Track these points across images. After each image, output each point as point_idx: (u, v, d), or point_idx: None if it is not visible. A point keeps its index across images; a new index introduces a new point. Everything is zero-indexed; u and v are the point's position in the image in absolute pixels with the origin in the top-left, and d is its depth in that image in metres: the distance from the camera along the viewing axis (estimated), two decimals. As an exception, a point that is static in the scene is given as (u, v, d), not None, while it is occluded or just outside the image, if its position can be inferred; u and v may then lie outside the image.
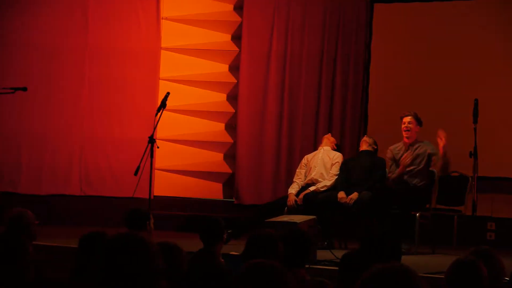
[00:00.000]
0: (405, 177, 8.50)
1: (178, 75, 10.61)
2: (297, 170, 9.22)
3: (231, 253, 6.10)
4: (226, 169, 10.62)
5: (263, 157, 10.36)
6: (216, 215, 8.67)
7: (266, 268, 2.71)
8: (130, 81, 10.48)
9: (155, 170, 10.05)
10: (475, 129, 7.93)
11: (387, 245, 4.40)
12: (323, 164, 8.98)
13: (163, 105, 8.25)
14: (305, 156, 9.25)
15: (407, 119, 8.54)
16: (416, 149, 8.57)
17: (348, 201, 8.45)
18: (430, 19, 9.91)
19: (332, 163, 8.94)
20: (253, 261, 2.75)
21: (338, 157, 9.00)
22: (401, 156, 8.53)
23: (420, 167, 8.51)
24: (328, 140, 9.23)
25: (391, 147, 8.71)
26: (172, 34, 10.65)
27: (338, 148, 9.26)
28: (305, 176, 9.03)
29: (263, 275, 2.70)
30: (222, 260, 5.57)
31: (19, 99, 9.90)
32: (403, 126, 8.56)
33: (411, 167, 8.50)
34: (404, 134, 8.56)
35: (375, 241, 4.42)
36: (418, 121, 8.57)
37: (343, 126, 10.23)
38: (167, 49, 10.63)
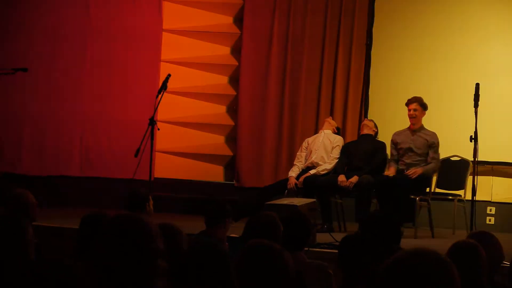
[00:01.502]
0: (408, 161, 8.50)
1: (180, 57, 10.59)
2: (297, 153, 9.22)
3: (231, 235, 6.10)
4: (227, 151, 10.62)
5: (264, 140, 10.35)
6: (218, 197, 8.71)
7: (265, 248, 2.73)
8: (131, 63, 10.46)
9: (156, 152, 10.05)
10: (475, 113, 7.93)
11: (387, 228, 4.41)
12: (323, 147, 8.98)
13: (164, 87, 8.26)
14: (306, 139, 9.25)
15: (412, 106, 8.52)
16: (420, 136, 8.55)
17: (348, 185, 8.46)
18: (432, 2, 9.87)
19: (333, 147, 8.94)
20: (252, 242, 2.76)
21: (338, 140, 9.00)
22: (402, 142, 8.54)
23: (422, 155, 8.50)
24: (329, 124, 9.23)
25: (396, 132, 8.69)
26: (173, 16, 10.62)
27: (338, 131, 9.26)
28: (306, 159, 9.03)
29: (263, 255, 2.71)
30: (227, 243, 5.58)
31: (21, 81, 9.90)
32: (408, 113, 8.52)
33: (416, 155, 8.50)
34: (410, 121, 8.54)
35: (375, 224, 4.43)
36: (423, 106, 8.55)
37: (344, 110, 10.21)
38: (168, 31, 10.60)
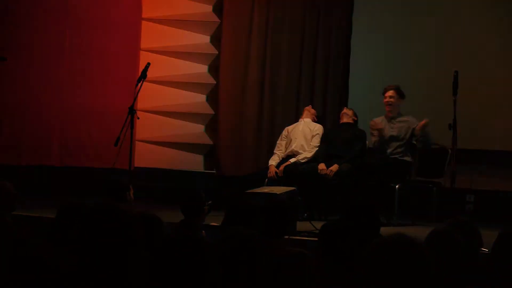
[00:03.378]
0: (388, 150, 8.53)
1: (159, 46, 10.55)
2: (277, 141, 9.22)
3: (211, 224, 6.11)
4: (207, 140, 10.61)
5: (244, 129, 10.35)
6: (197, 186, 8.71)
7: (243, 236, 2.73)
8: (111, 51, 10.41)
9: (136, 141, 10.03)
10: (454, 101, 7.96)
11: (367, 216, 4.43)
12: (303, 135, 8.98)
13: (143, 75, 8.23)
14: (286, 128, 9.25)
15: (389, 93, 8.57)
16: (398, 122, 8.60)
17: (328, 173, 8.48)
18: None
19: (313, 135, 8.95)
20: (231, 230, 2.77)
21: (318, 128, 9.02)
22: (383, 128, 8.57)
23: (403, 142, 8.54)
24: (308, 112, 9.24)
25: (374, 120, 8.71)
26: (153, 4, 10.58)
27: (318, 119, 9.27)
28: (286, 148, 9.04)
29: (241, 243, 2.72)
30: (204, 232, 5.59)
31: (-1, 70, 9.84)
32: (385, 100, 8.58)
33: (396, 142, 8.53)
34: (386, 108, 8.59)
35: (355, 212, 4.45)
36: (400, 94, 8.59)
37: (324, 98, 10.23)
38: (148, 19, 10.56)
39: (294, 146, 8.95)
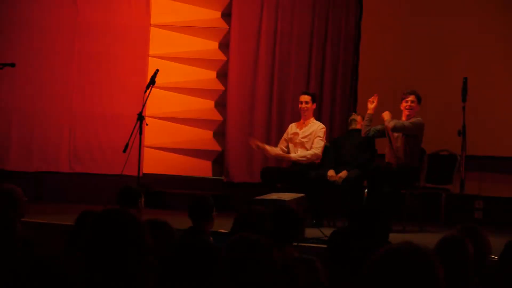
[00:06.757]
0: (397, 154, 8.52)
1: (168, 52, 10.57)
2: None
3: (219, 230, 6.11)
4: (216, 146, 10.61)
5: (253, 135, 10.34)
6: (206, 192, 8.71)
7: (251, 242, 2.74)
8: (119, 57, 10.44)
9: (144, 148, 10.04)
10: (463, 108, 7.95)
11: (376, 222, 4.42)
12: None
13: (152, 82, 8.26)
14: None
15: (410, 97, 8.50)
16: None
17: (337, 179, 8.48)
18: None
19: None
20: (239, 236, 2.77)
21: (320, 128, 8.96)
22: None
23: (411, 144, 8.54)
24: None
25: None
26: (161, 10, 10.60)
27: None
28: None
29: (249, 249, 2.72)
30: (211, 238, 5.59)
31: (8, 76, 9.84)
32: (405, 104, 8.49)
33: (403, 146, 8.53)
34: (406, 112, 8.51)
35: (364, 219, 4.45)
36: (419, 99, 8.58)
37: (333, 104, 10.22)
38: (156, 26, 10.58)
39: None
